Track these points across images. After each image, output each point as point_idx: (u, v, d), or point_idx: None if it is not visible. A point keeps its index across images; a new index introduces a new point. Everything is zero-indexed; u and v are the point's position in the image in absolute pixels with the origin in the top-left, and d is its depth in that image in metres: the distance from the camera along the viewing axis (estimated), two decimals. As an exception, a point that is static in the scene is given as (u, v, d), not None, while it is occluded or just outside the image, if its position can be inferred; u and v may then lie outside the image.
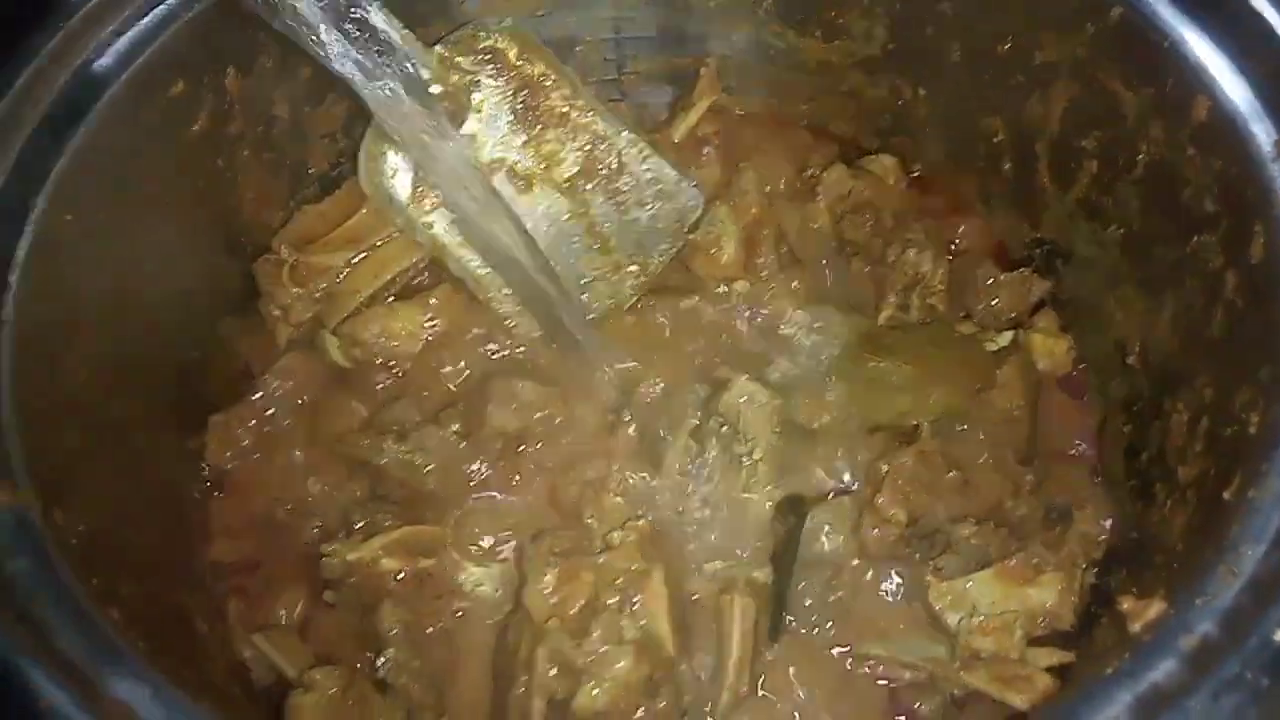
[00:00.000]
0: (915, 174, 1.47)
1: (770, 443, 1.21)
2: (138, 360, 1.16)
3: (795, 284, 1.35)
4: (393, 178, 1.29)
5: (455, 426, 1.25)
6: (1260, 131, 0.99)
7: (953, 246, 1.39)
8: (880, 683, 1.13)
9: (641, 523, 1.16)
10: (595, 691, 1.05)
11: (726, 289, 1.35)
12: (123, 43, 1.09)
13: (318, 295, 1.34)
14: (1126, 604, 0.87)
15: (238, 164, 1.28)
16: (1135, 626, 0.85)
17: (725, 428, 1.21)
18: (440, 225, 1.30)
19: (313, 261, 1.34)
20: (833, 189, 1.41)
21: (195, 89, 1.17)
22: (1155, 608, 0.85)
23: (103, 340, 1.09)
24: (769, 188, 1.42)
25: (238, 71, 1.22)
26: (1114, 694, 0.77)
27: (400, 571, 1.16)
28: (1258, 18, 1.01)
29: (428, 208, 1.29)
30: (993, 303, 1.33)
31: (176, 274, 1.23)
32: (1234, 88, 1.01)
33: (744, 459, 1.20)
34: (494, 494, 1.23)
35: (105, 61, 1.08)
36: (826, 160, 1.44)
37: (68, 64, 1.07)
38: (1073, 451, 1.27)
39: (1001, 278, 1.33)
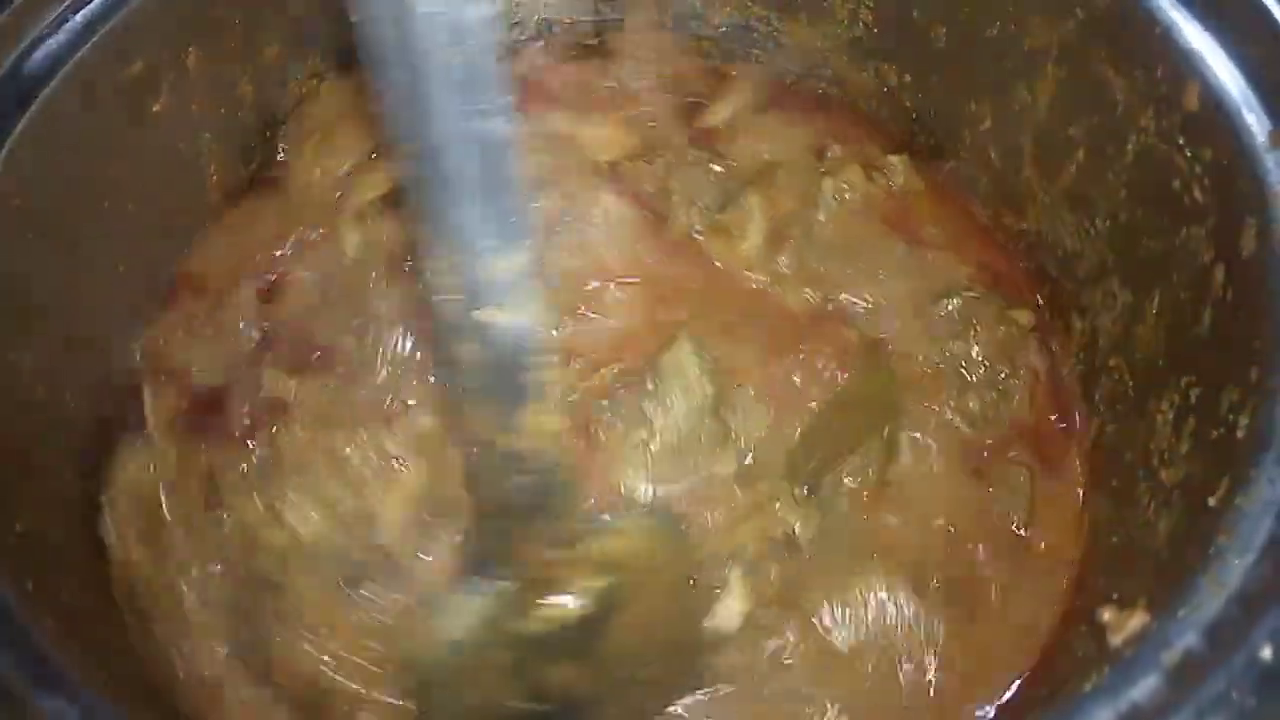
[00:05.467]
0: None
1: (677, 425, 1.11)
2: (88, 349, 1.13)
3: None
4: None
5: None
6: (1253, 121, 0.96)
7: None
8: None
9: None
10: None
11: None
12: (79, 19, 1.06)
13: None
14: (1107, 614, 0.84)
15: (199, 147, 1.25)
16: (1116, 640, 0.81)
17: (652, 386, 1.13)
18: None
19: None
20: (845, 192, 1.33)
21: (155, 68, 1.14)
22: (1137, 619, 0.81)
23: (53, 331, 1.06)
24: (794, 186, 1.33)
25: (199, 50, 1.18)
26: (1092, 712, 0.74)
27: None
28: (1253, 3, 0.97)
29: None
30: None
31: (132, 261, 1.19)
32: (1227, 75, 0.98)
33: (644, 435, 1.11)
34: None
35: (59, 39, 1.05)
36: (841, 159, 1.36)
37: (19, 41, 1.03)
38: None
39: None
